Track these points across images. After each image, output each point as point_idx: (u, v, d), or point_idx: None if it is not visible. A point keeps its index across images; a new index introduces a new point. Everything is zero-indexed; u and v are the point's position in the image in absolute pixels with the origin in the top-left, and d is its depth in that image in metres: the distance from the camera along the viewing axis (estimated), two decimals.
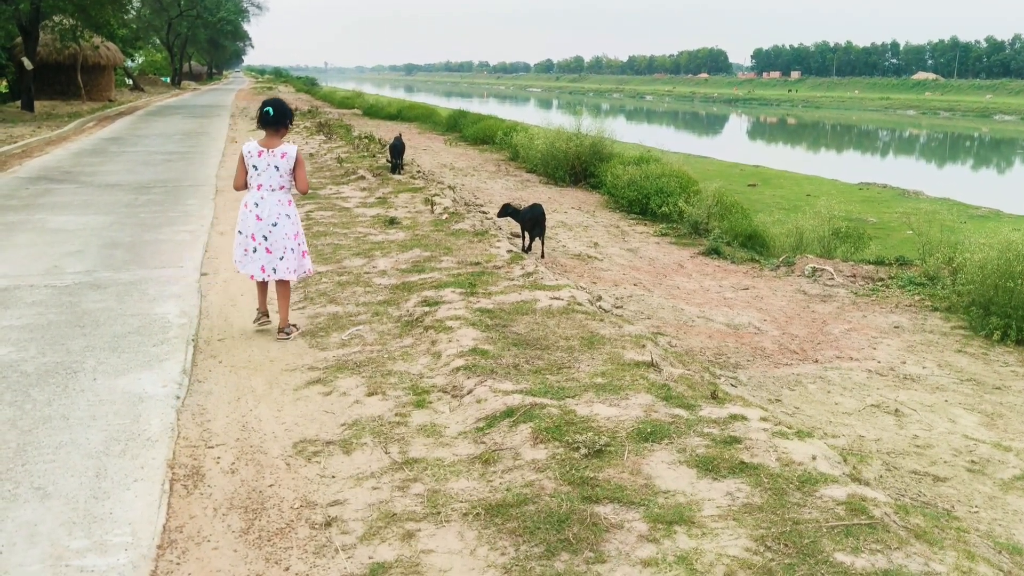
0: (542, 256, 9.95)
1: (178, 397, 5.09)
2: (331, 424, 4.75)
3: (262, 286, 6.55)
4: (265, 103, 6.16)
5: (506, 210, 10.26)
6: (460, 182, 16.66)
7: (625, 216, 14.97)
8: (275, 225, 6.17)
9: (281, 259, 6.23)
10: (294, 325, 6.44)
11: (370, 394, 5.12)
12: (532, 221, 9.87)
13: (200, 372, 5.57)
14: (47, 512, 3.72)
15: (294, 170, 6.18)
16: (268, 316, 6.53)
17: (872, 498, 3.69)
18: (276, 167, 6.12)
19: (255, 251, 6.20)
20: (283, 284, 6.32)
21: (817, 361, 7.21)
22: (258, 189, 6.16)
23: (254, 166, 6.15)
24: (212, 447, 4.48)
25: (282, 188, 6.19)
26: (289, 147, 6.18)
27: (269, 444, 4.51)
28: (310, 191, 10.78)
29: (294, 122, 6.50)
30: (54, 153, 18.65)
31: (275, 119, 6.12)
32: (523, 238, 9.96)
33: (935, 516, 3.91)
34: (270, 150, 6.13)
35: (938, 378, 6.88)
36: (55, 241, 9.33)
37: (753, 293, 9.61)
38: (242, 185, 6.28)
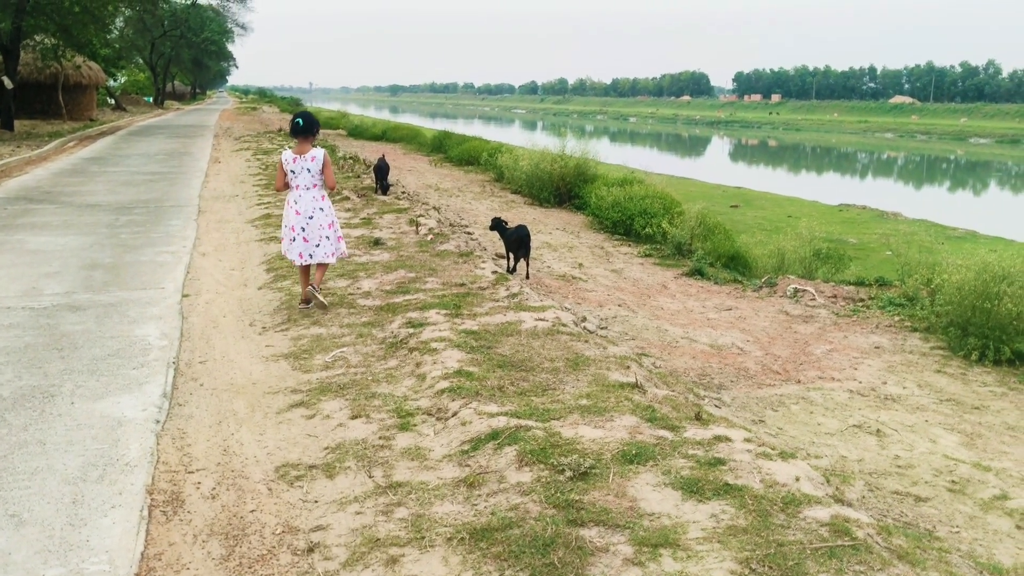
0: (527, 277, 9.91)
1: (158, 421, 5.03)
2: (314, 448, 4.70)
3: (304, 272, 7.54)
4: (296, 115, 7.31)
5: (496, 223, 10.22)
6: (445, 203, 16.67)
7: (609, 237, 15.00)
8: (311, 218, 7.36)
9: (317, 246, 7.41)
10: (322, 298, 7.38)
11: (354, 417, 5.07)
12: (517, 242, 9.82)
13: (181, 395, 5.51)
14: (21, 540, 3.65)
15: (323, 170, 7.35)
16: (310, 303, 7.47)
17: (855, 519, 3.67)
18: (308, 169, 7.31)
19: (294, 240, 7.38)
20: (322, 265, 7.54)
21: (800, 382, 7.21)
22: (296, 189, 7.34)
23: (291, 171, 7.32)
24: (192, 472, 4.42)
25: (315, 186, 7.38)
26: (318, 151, 7.34)
27: (251, 468, 4.46)
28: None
29: (312, 134, 7.37)
30: (34, 173, 18.53)
31: (304, 128, 7.24)
32: (508, 259, 9.93)
33: (917, 537, 3.90)
34: (302, 156, 7.29)
35: (918, 398, 6.90)
36: (33, 262, 9.24)
37: (736, 314, 9.63)
38: (282, 187, 7.49)
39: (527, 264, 10.05)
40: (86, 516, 3.87)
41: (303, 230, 7.36)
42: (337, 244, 7.56)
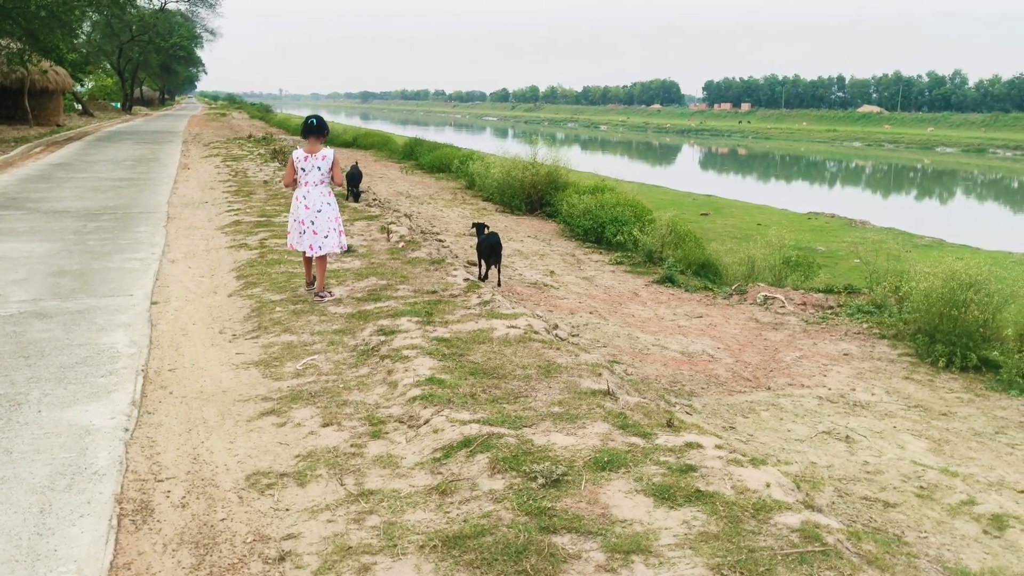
0: (498, 284, 9.92)
1: (127, 429, 4.98)
2: (285, 456, 4.67)
3: (308, 262, 8.24)
4: (308, 117, 7.96)
5: (477, 226, 10.24)
6: (416, 210, 16.65)
7: (581, 245, 15.05)
8: (319, 211, 7.94)
9: (326, 238, 7.97)
10: (330, 292, 8.13)
11: (325, 425, 5.05)
12: (488, 249, 9.81)
13: (150, 403, 5.47)
14: None
15: (331, 169, 8.00)
16: (313, 284, 8.21)
17: (825, 525, 3.72)
18: (318, 168, 7.94)
19: (304, 233, 7.94)
20: (321, 259, 8.07)
21: (770, 388, 7.28)
22: (305, 185, 7.95)
23: (302, 168, 7.94)
24: (162, 480, 4.38)
25: (323, 183, 8.00)
26: (328, 151, 8.02)
27: (221, 477, 4.43)
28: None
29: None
30: None
31: (317, 128, 7.91)
32: (479, 266, 9.93)
33: (886, 542, 3.95)
34: (313, 154, 7.93)
35: (887, 405, 6.99)
36: None
37: (707, 321, 9.70)
38: (291, 183, 8.11)
39: (499, 272, 10.04)
40: (54, 525, 3.82)
41: (312, 223, 7.92)
42: (340, 238, 8.13)
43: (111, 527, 3.85)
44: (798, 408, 6.77)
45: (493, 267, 9.90)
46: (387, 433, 4.91)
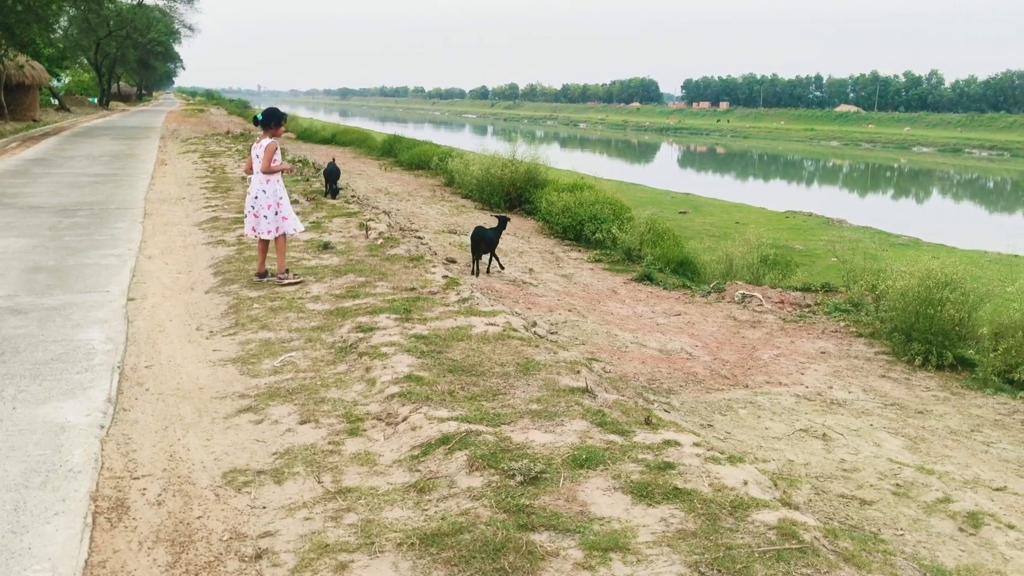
0: (475, 274, 10.36)
1: (102, 426, 4.93)
2: (262, 453, 4.65)
3: (263, 251, 8.61)
4: (259, 113, 8.43)
5: (500, 219, 11.22)
6: (395, 207, 16.60)
7: (560, 242, 15.07)
8: (256, 198, 8.41)
9: (264, 218, 8.38)
10: (294, 275, 8.56)
11: (303, 422, 5.03)
12: (473, 243, 10.22)
13: (126, 400, 5.42)
14: None
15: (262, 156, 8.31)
16: (264, 278, 8.53)
17: (802, 522, 3.74)
18: (257, 155, 8.41)
19: (246, 217, 8.54)
20: (279, 241, 8.52)
21: (747, 386, 7.32)
22: (250, 172, 8.53)
23: (255, 156, 8.45)
24: (138, 478, 4.35)
25: (262, 170, 8.34)
26: (266, 140, 8.35)
27: (197, 474, 4.40)
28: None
29: (270, 129, 8.37)
30: None
31: (262, 122, 8.36)
32: (472, 261, 10.43)
33: (863, 539, 3.98)
34: (259, 144, 8.41)
35: (863, 403, 7.04)
36: None
37: (685, 319, 9.74)
38: (248, 170, 8.62)
39: (476, 262, 10.55)
40: (28, 523, 3.78)
41: (252, 208, 8.44)
42: (281, 223, 8.42)
43: (86, 525, 3.82)
44: (775, 406, 6.80)
45: (483, 257, 10.55)
46: (365, 430, 4.89)
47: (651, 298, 10.88)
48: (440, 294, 7.97)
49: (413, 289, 8.14)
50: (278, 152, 8.52)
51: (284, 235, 8.52)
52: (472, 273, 10.46)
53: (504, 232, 11.29)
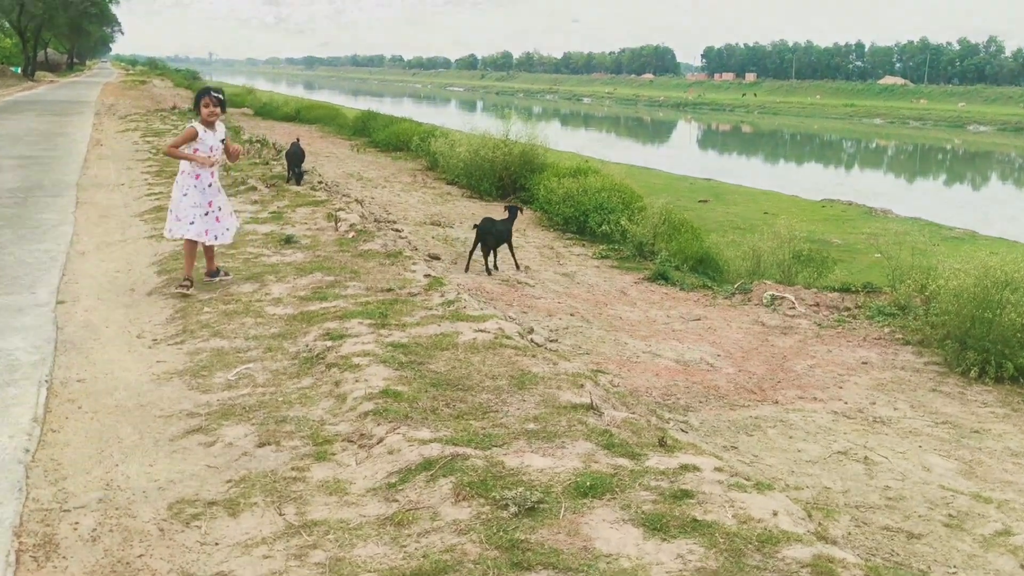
0: (487, 271, 10.95)
1: (27, 451, 4.92)
2: (215, 481, 4.64)
3: (192, 251, 8.44)
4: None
5: (510, 208, 11.67)
6: (369, 195, 16.61)
7: (560, 235, 15.09)
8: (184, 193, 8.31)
9: (176, 220, 8.36)
10: (225, 272, 8.64)
11: (261, 444, 5.03)
12: (480, 235, 10.83)
13: (55, 420, 5.41)
14: None
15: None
16: (216, 276, 8.55)
17: (840, 559, 3.75)
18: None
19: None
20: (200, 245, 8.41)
21: (777, 402, 7.34)
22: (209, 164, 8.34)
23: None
24: (69, 511, 4.34)
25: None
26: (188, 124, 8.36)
27: (139, 506, 4.39)
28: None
29: (205, 109, 8.24)
30: None
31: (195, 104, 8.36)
32: (484, 257, 10.88)
33: None
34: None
35: (911, 421, 7.06)
36: None
37: (705, 324, 9.76)
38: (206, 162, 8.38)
39: (485, 259, 11.10)
40: None
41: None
42: (174, 221, 8.35)
43: (8, 564, 3.81)
44: (809, 425, 6.82)
45: (491, 254, 11.10)
46: (334, 454, 4.89)
47: (666, 300, 10.91)
48: (421, 296, 7.98)
49: (390, 290, 8.15)
50: (206, 138, 8.23)
51: (191, 241, 8.35)
52: (465, 271, 10.93)
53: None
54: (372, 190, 17.52)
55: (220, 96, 8.33)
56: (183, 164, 8.31)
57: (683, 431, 6.01)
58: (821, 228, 18.52)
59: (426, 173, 21.57)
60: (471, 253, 11.20)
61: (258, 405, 5.61)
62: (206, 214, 8.27)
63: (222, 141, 8.40)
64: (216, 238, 8.41)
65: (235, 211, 9.01)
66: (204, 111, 8.19)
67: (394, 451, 4.80)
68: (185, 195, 8.25)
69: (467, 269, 11.03)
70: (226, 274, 8.62)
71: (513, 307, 9.28)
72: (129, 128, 25.27)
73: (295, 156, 15.43)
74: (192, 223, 8.22)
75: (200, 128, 8.19)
